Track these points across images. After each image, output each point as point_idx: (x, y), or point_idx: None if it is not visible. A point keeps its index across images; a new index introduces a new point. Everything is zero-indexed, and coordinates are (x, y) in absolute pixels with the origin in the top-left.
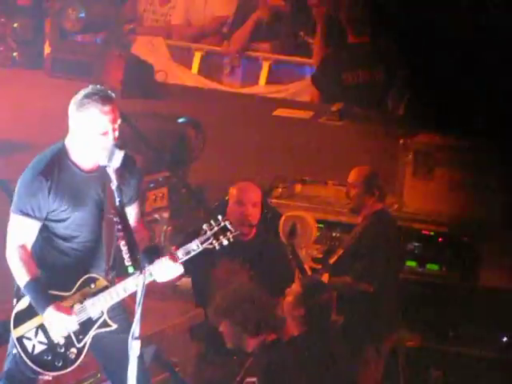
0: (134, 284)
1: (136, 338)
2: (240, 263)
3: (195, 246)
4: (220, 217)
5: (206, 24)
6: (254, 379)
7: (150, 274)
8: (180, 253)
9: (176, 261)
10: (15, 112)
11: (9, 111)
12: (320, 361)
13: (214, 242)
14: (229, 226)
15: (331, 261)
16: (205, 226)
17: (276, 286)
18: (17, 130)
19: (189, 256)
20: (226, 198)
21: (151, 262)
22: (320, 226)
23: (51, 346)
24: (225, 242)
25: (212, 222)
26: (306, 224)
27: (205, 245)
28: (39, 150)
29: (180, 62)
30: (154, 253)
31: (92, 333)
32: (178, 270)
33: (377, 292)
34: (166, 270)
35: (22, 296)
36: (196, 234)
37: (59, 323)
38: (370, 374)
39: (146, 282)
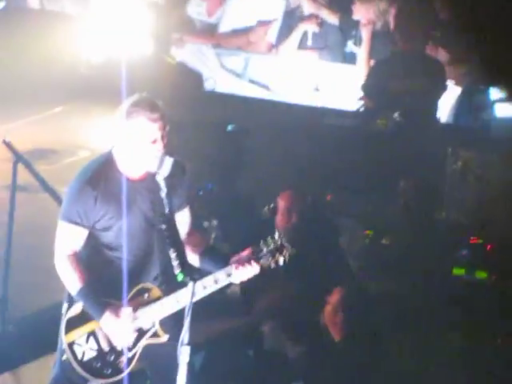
0: (186, 295)
1: (185, 345)
2: (283, 276)
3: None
4: (276, 234)
5: (253, 31)
6: (300, 383)
7: (228, 274)
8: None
9: (257, 261)
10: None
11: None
12: (360, 366)
13: (270, 259)
14: (285, 244)
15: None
16: (261, 243)
17: (320, 293)
18: (63, 138)
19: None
20: (275, 206)
21: (224, 263)
22: (369, 233)
23: (101, 353)
24: (281, 261)
25: (268, 238)
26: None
27: (261, 261)
28: (87, 159)
29: (229, 69)
30: (221, 255)
31: (143, 343)
32: (257, 269)
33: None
34: (245, 271)
35: (74, 302)
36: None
37: (117, 328)
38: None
39: (200, 297)
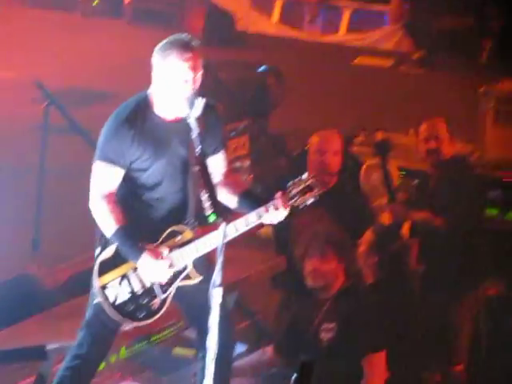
0: (218, 236)
1: (218, 286)
2: (321, 212)
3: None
4: (306, 174)
5: None
6: (332, 325)
7: (259, 216)
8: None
9: (287, 203)
10: (96, 61)
11: (89, 61)
12: (394, 309)
13: (299, 199)
14: (314, 185)
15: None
16: (290, 183)
17: (354, 233)
18: (98, 79)
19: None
20: (307, 147)
21: (257, 206)
22: (402, 173)
23: (134, 296)
24: (310, 201)
25: (298, 179)
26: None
27: (290, 202)
28: (120, 100)
29: (260, 10)
30: (255, 198)
31: (176, 285)
32: (286, 213)
33: (456, 234)
34: (275, 214)
35: (107, 245)
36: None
37: (154, 269)
38: (458, 323)
39: (231, 238)
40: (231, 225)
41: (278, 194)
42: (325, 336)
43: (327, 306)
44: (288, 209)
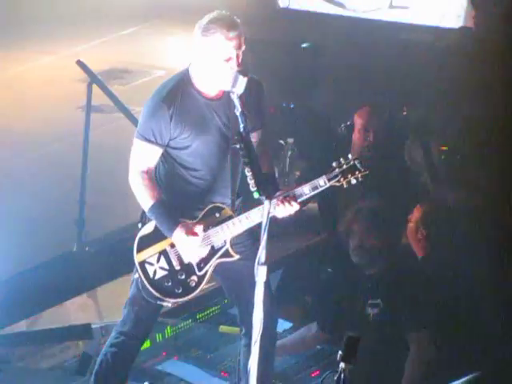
0: (258, 214)
1: (262, 264)
2: (366, 189)
3: (322, 183)
4: (350, 155)
5: None
6: (377, 301)
7: (274, 207)
8: (307, 188)
9: (295, 200)
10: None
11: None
12: (444, 283)
13: (341, 179)
14: (358, 165)
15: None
16: (334, 164)
17: (401, 209)
18: (137, 58)
19: (316, 192)
20: (349, 123)
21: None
22: (445, 149)
23: (172, 272)
24: (353, 182)
25: (342, 159)
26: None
27: (332, 182)
28: (162, 78)
29: None
30: (272, 183)
31: (214, 262)
32: (296, 208)
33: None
34: (285, 208)
35: (147, 221)
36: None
37: (189, 244)
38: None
39: (270, 214)
40: (243, 215)
41: (285, 189)
42: (371, 312)
43: (372, 281)
44: (297, 204)
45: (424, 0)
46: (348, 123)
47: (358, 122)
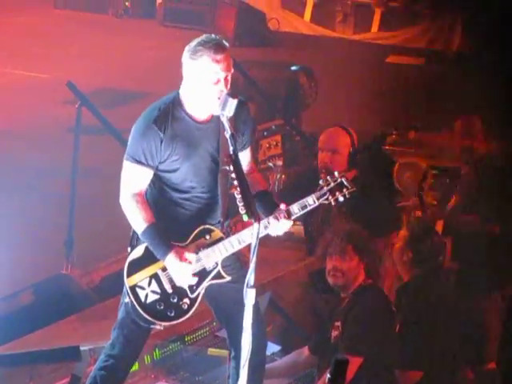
0: (249, 235)
1: (251, 287)
2: (344, 210)
3: (311, 201)
4: (336, 173)
5: None
6: (338, 323)
7: (265, 227)
8: (296, 207)
9: (290, 217)
10: (127, 61)
11: (121, 61)
12: (428, 307)
13: (329, 197)
14: (345, 183)
15: (448, 206)
16: (321, 182)
17: (381, 229)
18: (129, 79)
19: (305, 211)
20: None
21: (270, 210)
22: (434, 172)
23: (164, 295)
24: (340, 199)
25: (328, 177)
26: (419, 171)
27: (321, 200)
28: (151, 100)
29: (292, 9)
30: (271, 202)
31: (206, 284)
32: (289, 225)
33: (503, 234)
34: (278, 225)
35: (137, 244)
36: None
37: (181, 268)
38: (489, 322)
39: (261, 235)
40: (234, 237)
41: (282, 206)
42: (333, 334)
43: (344, 304)
44: (291, 220)
45: (412, 24)
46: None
47: (320, 142)
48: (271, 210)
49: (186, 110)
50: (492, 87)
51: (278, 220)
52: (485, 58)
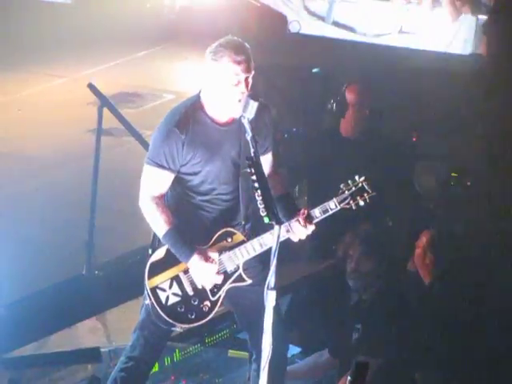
0: (270, 238)
1: (272, 289)
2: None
3: (333, 205)
4: (357, 177)
5: None
6: (359, 325)
7: (287, 230)
8: (317, 211)
9: (311, 222)
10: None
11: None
12: (450, 309)
13: (351, 202)
14: (366, 187)
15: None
16: (342, 186)
17: (403, 233)
18: (147, 81)
19: (326, 215)
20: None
21: (290, 213)
22: (454, 175)
23: (185, 298)
24: (361, 203)
25: (349, 181)
26: (440, 173)
27: (342, 204)
28: (172, 102)
29: (313, 12)
30: (291, 204)
31: (227, 287)
32: (311, 229)
33: None
34: (300, 230)
35: (158, 246)
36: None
37: (205, 270)
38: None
39: (282, 239)
40: (255, 240)
41: (302, 211)
42: (353, 336)
43: (364, 306)
44: (312, 225)
45: (432, 26)
46: (338, 98)
47: (351, 97)
48: (292, 213)
49: (207, 113)
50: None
51: (299, 224)
52: None
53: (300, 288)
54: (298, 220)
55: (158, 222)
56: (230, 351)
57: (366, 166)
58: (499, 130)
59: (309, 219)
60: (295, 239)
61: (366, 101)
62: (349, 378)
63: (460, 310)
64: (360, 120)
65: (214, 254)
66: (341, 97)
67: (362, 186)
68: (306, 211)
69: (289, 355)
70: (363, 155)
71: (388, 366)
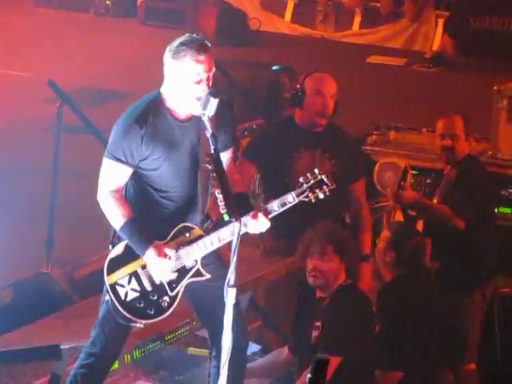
0: (229, 233)
1: (232, 286)
2: (320, 153)
3: (291, 199)
4: (316, 170)
5: None
6: (318, 323)
7: (244, 224)
8: (275, 204)
9: (267, 215)
10: (108, 61)
11: (102, 60)
12: (410, 307)
13: (309, 194)
14: (325, 180)
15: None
16: (301, 179)
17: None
18: (110, 78)
19: (284, 208)
20: (298, 86)
21: (244, 213)
22: (414, 172)
23: (144, 293)
24: (320, 196)
25: (308, 174)
26: (399, 171)
27: (300, 197)
28: (132, 99)
29: (273, 9)
30: (246, 204)
31: (185, 282)
32: (268, 223)
33: (469, 231)
34: (257, 223)
35: (117, 243)
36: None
37: (161, 264)
38: (469, 322)
39: (241, 233)
40: (214, 235)
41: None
42: (313, 334)
43: (324, 304)
44: (268, 219)
45: (393, 23)
46: (298, 86)
47: (312, 86)
48: (247, 212)
49: (168, 108)
50: (471, 87)
51: (256, 219)
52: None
53: (260, 285)
54: (254, 215)
55: (115, 215)
56: (190, 348)
57: (326, 158)
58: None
59: (266, 213)
60: (253, 232)
61: (328, 90)
62: (309, 375)
63: (420, 307)
64: (320, 109)
65: (170, 248)
66: (300, 85)
67: (321, 178)
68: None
69: (249, 353)
70: (321, 145)
71: (348, 364)
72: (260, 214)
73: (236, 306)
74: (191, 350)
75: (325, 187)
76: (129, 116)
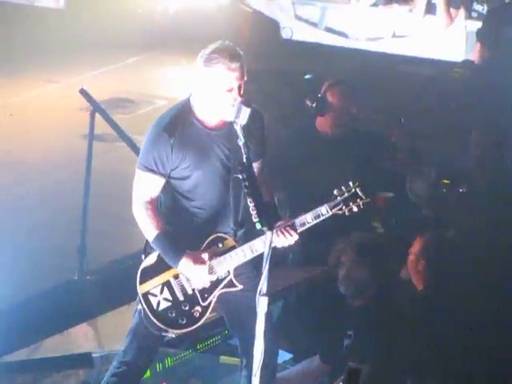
0: (261, 244)
1: (264, 295)
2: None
3: (325, 211)
4: (351, 183)
5: None
6: (351, 332)
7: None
8: (309, 217)
9: (295, 230)
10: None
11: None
12: (445, 316)
13: (344, 207)
14: (359, 193)
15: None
16: (335, 192)
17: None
18: (139, 87)
19: (318, 220)
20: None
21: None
22: (446, 181)
23: (176, 303)
24: (354, 209)
25: (343, 187)
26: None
27: (334, 210)
28: (164, 108)
29: (304, 19)
30: (274, 214)
31: (217, 292)
32: (296, 237)
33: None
34: (285, 238)
35: (150, 252)
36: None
37: (194, 273)
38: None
39: (272, 245)
40: (246, 246)
41: (285, 219)
42: (345, 342)
43: (356, 313)
44: (296, 233)
45: (425, 31)
46: (319, 96)
47: (334, 99)
48: (276, 221)
49: (198, 117)
50: None
51: (288, 234)
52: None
53: (291, 294)
54: (281, 229)
55: (148, 227)
56: (222, 357)
57: (351, 166)
58: (493, 138)
59: (292, 228)
60: (279, 245)
61: (351, 102)
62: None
63: (453, 318)
64: (343, 119)
65: (203, 259)
66: (322, 95)
67: (356, 191)
68: (289, 221)
69: (280, 361)
70: (344, 154)
71: (379, 373)
72: (285, 230)
73: (268, 315)
74: (223, 359)
75: (358, 200)
76: (158, 126)
